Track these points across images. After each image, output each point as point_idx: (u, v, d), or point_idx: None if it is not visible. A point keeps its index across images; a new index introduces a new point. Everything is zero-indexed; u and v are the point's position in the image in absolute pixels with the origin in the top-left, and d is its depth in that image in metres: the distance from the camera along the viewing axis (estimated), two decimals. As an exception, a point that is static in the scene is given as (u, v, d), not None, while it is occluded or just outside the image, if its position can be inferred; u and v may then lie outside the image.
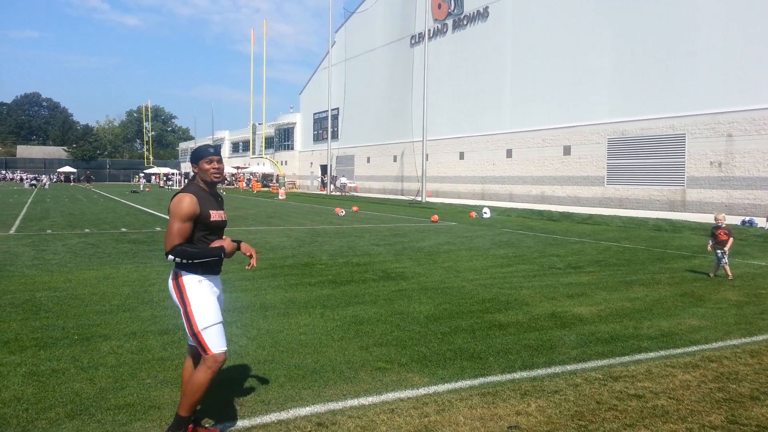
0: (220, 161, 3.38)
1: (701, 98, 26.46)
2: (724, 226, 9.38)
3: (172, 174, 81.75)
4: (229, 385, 4.19)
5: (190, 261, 3.21)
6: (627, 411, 3.88)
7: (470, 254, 11.85)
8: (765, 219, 19.58)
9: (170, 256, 3.19)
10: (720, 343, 5.53)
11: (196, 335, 3.22)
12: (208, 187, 3.40)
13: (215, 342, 3.23)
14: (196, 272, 3.29)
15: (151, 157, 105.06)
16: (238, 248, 3.41)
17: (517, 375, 4.56)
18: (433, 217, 21.68)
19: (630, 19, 29.97)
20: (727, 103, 25.42)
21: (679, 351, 5.27)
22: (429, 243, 13.82)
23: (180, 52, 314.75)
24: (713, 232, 9.44)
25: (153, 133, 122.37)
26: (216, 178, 3.35)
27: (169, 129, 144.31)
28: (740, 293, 8.00)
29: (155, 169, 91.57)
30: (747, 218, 20.83)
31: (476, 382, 4.39)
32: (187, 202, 3.22)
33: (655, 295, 7.82)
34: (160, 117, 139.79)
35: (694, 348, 5.37)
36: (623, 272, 9.73)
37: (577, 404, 3.98)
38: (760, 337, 5.75)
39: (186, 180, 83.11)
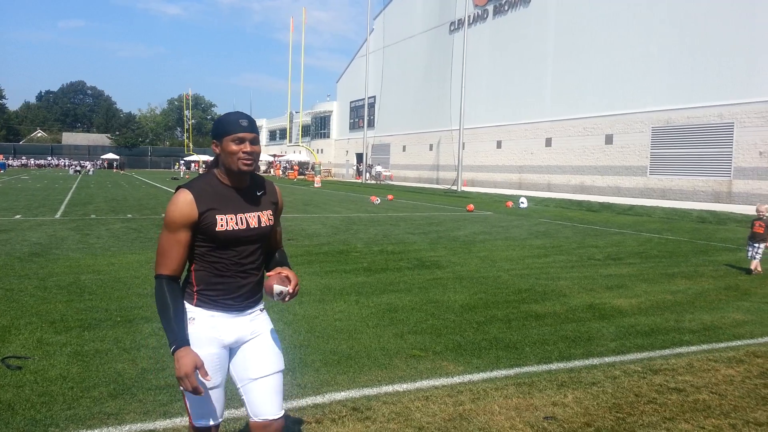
0: (254, 142, 2.23)
1: (752, 86, 25.43)
2: (765, 217, 8.96)
3: (212, 161, 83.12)
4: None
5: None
6: (667, 404, 3.79)
7: (506, 244, 11.72)
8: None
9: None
10: (765, 339, 5.34)
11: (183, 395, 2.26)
12: (231, 179, 2.26)
13: (195, 410, 2.26)
14: (191, 305, 2.23)
15: (191, 145, 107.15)
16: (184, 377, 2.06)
17: (553, 366, 4.50)
18: (469, 207, 21.51)
19: (678, 3, 28.94)
20: (779, 90, 24.34)
21: (722, 345, 5.11)
22: (464, 232, 13.73)
23: (221, 40, 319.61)
24: (752, 222, 9.07)
25: (193, 121, 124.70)
26: (246, 166, 2.21)
27: (208, 117, 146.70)
28: (789, 288, 7.70)
29: (195, 157, 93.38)
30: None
31: (512, 372, 4.35)
32: (178, 204, 2.15)
33: (697, 288, 7.60)
34: (200, 105, 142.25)
35: (738, 343, 5.20)
36: (665, 264, 9.48)
37: (615, 396, 3.91)
38: (810, 334, 5.53)
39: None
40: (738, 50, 26.07)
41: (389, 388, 3.95)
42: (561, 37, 36.73)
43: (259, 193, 2.34)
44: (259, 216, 2.29)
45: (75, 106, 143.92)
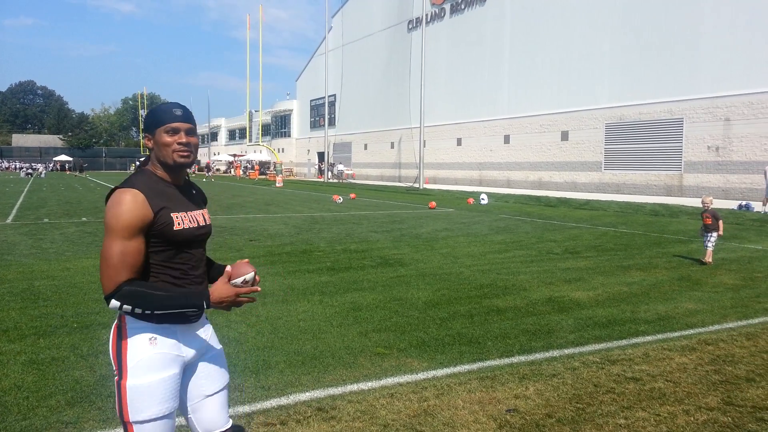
0: (190, 132, 2.06)
1: (700, 82, 26.40)
2: (710, 208, 9.32)
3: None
4: (230, 373, 4.20)
5: (148, 312, 1.94)
6: (624, 394, 3.92)
7: (468, 240, 11.86)
8: (761, 203, 19.61)
9: (113, 302, 1.90)
10: (716, 327, 5.56)
11: (124, 425, 2.00)
12: (169, 173, 2.09)
13: None
14: (149, 323, 2.00)
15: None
16: (235, 298, 2.02)
17: (515, 359, 4.59)
18: (431, 204, 21.68)
19: (630, 2, 29.78)
20: (726, 87, 25.37)
21: (676, 334, 5.30)
22: (427, 229, 13.84)
23: (176, 39, 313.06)
24: (701, 215, 9.43)
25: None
26: (182, 158, 2.04)
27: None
28: (736, 277, 8.04)
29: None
30: (744, 203, 20.86)
31: (475, 366, 4.42)
32: (128, 205, 1.93)
33: (652, 279, 7.85)
34: (155, 104, 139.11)
35: (691, 331, 5.40)
36: (620, 257, 9.76)
37: (575, 387, 4.01)
38: (756, 320, 5.79)
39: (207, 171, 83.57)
40: (684, 47, 27.01)
41: (354, 387, 3.97)
42: (516, 36, 37.35)
43: (194, 191, 2.22)
44: (203, 214, 2.17)
45: (25, 107, 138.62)
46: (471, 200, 24.25)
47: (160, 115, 2.05)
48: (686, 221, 16.20)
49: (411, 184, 41.71)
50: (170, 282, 2.04)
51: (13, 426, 3.34)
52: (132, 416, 1.97)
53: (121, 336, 2.01)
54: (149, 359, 1.99)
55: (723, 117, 25.62)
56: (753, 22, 24.33)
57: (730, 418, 3.55)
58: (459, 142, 43.05)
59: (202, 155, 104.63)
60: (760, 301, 6.60)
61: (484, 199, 23.74)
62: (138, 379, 1.97)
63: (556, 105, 34.28)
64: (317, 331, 5.25)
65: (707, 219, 9.19)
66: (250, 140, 74.41)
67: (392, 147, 51.49)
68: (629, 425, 3.45)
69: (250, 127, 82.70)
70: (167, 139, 2.03)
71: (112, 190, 1.99)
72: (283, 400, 3.73)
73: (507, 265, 8.82)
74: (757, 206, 19.89)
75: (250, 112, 77.17)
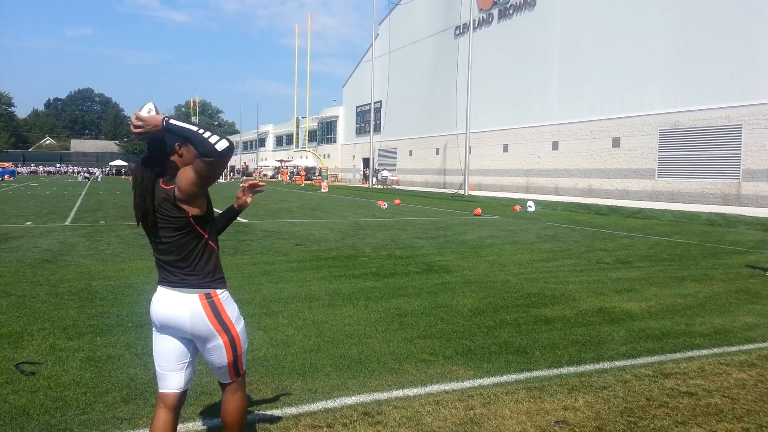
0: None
1: (759, 87, 25.28)
2: None
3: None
4: (277, 374, 4.28)
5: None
6: (678, 408, 3.78)
7: (514, 248, 11.70)
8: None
9: (223, 143, 2.34)
10: (779, 342, 5.31)
11: (236, 360, 2.65)
12: None
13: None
14: (226, 289, 2.65)
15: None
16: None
17: (564, 370, 4.49)
18: (476, 211, 21.50)
19: (685, 3, 28.85)
20: (788, 91, 24.20)
21: (733, 349, 5.09)
22: (472, 236, 13.72)
23: (226, 47, 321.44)
24: None
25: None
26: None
27: (215, 123, 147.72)
28: (801, 290, 7.65)
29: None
30: (808, 212, 19.84)
31: (522, 376, 4.35)
32: None
33: (707, 291, 7.56)
34: (207, 111, 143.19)
35: (750, 346, 5.17)
36: (674, 267, 9.44)
37: (627, 400, 3.90)
38: (823, 337, 5.49)
39: (232, 173, 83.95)
40: (743, 52, 25.93)
41: (399, 393, 3.96)
42: (566, 40, 36.69)
43: None
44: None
45: (83, 113, 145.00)
46: (517, 207, 23.92)
47: None
48: (744, 231, 15.53)
49: (456, 190, 41.47)
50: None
51: (72, 420, 3.48)
52: (243, 348, 2.66)
53: (212, 300, 2.54)
54: (237, 310, 2.68)
55: (785, 123, 24.46)
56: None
57: (794, 439, 3.38)
58: (506, 148, 42.56)
59: (250, 160, 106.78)
60: (826, 317, 6.26)
61: (531, 207, 23.37)
62: (240, 323, 2.65)
63: (606, 111, 33.46)
64: (363, 336, 5.27)
65: None
66: (297, 146, 75.59)
67: (437, 153, 51.34)
68: (684, 442, 3.32)
69: (297, 133, 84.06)
70: None
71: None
72: (330, 404, 3.76)
73: (555, 274, 8.65)
74: (823, 217, 18.88)
75: (298, 118, 78.48)
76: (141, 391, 3.91)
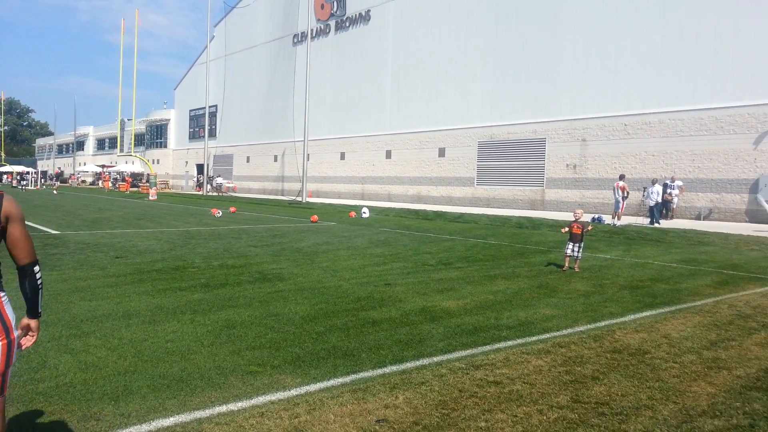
0: None
1: (560, 106, 28.85)
2: (579, 219, 10.28)
3: (27, 173, 74.18)
4: (86, 401, 3.92)
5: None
6: (486, 397, 4.15)
7: (348, 254, 11.99)
8: (611, 216, 21.74)
9: (37, 268, 2.57)
10: (569, 330, 6.08)
11: (8, 370, 2.49)
12: None
13: None
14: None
15: (2, 154, 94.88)
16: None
17: (387, 369, 4.70)
18: (313, 218, 21.65)
19: (499, 31, 31.91)
20: (582, 110, 27.93)
21: (533, 339, 5.72)
22: (308, 243, 13.80)
23: (39, 40, 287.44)
24: (570, 224, 10.27)
25: (6, 128, 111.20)
26: None
27: (24, 123, 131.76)
28: (588, 284, 8.84)
29: (8, 167, 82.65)
30: (596, 215, 23.01)
31: (348, 379, 4.47)
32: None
33: (514, 287, 8.42)
34: (14, 110, 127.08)
35: (547, 335, 5.86)
36: (488, 267, 10.36)
37: (442, 394, 4.19)
38: (602, 323, 6.40)
39: (44, 179, 74.97)
40: (546, 74, 29.43)
41: (223, 408, 3.85)
42: (398, 56, 38.59)
43: None
44: None
45: None
46: (353, 214, 24.53)
47: None
48: (546, 233, 17.55)
49: (294, 197, 41.38)
50: None
51: None
52: (13, 361, 2.50)
53: None
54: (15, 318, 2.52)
55: (580, 138, 28.16)
56: (605, 54, 27.07)
57: (576, 415, 3.88)
58: (342, 156, 43.46)
59: (66, 165, 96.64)
60: (606, 306, 7.31)
61: (366, 213, 24.12)
62: (17, 332, 2.52)
63: (434, 123, 35.78)
64: (186, 352, 5.04)
65: (578, 229, 10.04)
66: (122, 150, 69.97)
67: (275, 160, 50.82)
68: (489, 427, 3.66)
69: (122, 137, 77.86)
70: None
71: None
72: (144, 427, 3.54)
73: (385, 277, 9.02)
74: (608, 219, 22.02)
75: (123, 120, 72.74)
76: None
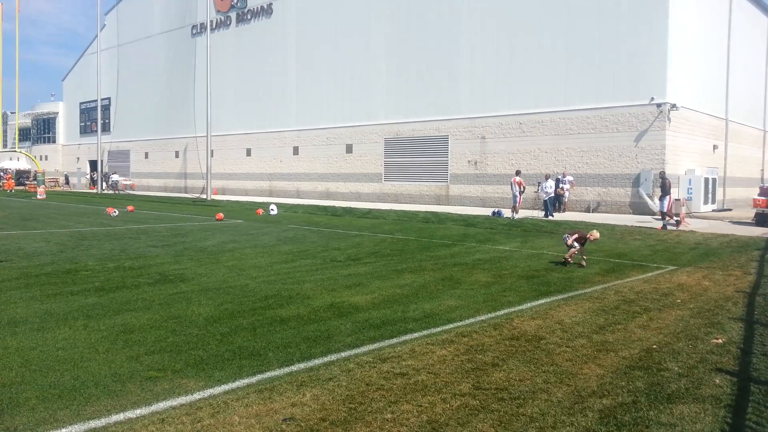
0: None
1: (460, 104, 29.81)
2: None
3: None
4: (-38, 418, 3.61)
5: None
6: (392, 389, 4.25)
7: (255, 252, 11.77)
8: (510, 210, 22.79)
9: None
10: (471, 320, 6.33)
11: None
12: None
13: None
14: None
15: None
16: None
17: (294, 367, 4.69)
18: (218, 215, 21.01)
19: (400, 29, 32.41)
20: (481, 109, 29.03)
21: (438, 329, 5.91)
22: (213, 242, 13.39)
23: None
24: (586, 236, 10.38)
25: None
26: None
27: None
28: (488, 275, 9.24)
29: None
30: (496, 210, 24.03)
31: (254, 379, 4.41)
32: None
33: (421, 280, 8.64)
34: None
35: (451, 326, 6.07)
36: (396, 261, 10.56)
37: (349, 388, 4.24)
38: (502, 312, 6.73)
39: None
40: (447, 73, 30.31)
41: (120, 417, 3.69)
42: (302, 52, 38.17)
43: None
44: None
45: None
46: (260, 211, 24.05)
47: None
48: (451, 227, 18.11)
49: (198, 195, 39.90)
50: None
51: None
52: None
53: None
54: None
55: (480, 135, 29.25)
56: (500, 56, 28.27)
57: (478, 401, 4.06)
58: (249, 152, 42.42)
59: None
60: (505, 295, 7.68)
61: (274, 210, 23.73)
62: None
63: (340, 119, 35.77)
64: (79, 360, 4.75)
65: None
66: (5, 146, 64.30)
67: (177, 156, 48.70)
68: (395, 419, 3.75)
69: (5, 131, 71.63)
70: None
71: None
72: (32, 442, 3.32)
73: (293, 275, 8.95)
74: (507, 213, 23.05)
75: (5, 113, 66.86)
76: None
